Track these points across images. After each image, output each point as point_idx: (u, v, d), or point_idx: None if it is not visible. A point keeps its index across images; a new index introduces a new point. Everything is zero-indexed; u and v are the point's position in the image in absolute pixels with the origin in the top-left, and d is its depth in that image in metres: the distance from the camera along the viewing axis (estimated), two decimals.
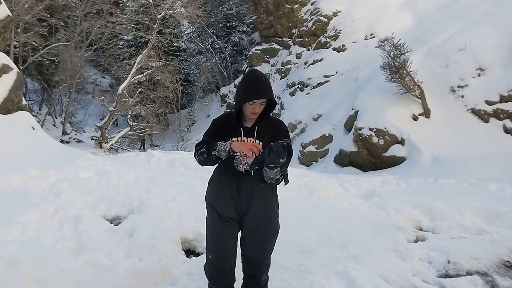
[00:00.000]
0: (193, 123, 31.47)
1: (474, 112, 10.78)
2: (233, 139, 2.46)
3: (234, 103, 2.49)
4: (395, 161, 10.56)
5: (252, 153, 2.34)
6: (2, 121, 8.23)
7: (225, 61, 33.29)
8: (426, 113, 11.13)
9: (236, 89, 2.48)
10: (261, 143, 2.44)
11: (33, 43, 18.81)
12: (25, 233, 3.92)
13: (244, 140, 2.45)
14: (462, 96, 11.14)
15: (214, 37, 33.03)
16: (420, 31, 15.21)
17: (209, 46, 33.42)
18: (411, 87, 11.31)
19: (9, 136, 7.65)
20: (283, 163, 2.32)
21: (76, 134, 20.44)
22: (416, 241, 4.46)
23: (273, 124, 2.52)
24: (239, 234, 2.66)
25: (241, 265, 2.76)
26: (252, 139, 2.46)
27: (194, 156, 2.54)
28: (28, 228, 4.00)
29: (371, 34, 18.26)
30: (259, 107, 2.35)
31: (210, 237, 2.63)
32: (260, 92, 2.30)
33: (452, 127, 10.60)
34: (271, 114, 2.53)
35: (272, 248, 2.68)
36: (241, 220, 2.57)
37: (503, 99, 10.55)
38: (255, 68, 23.75)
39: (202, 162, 2.53)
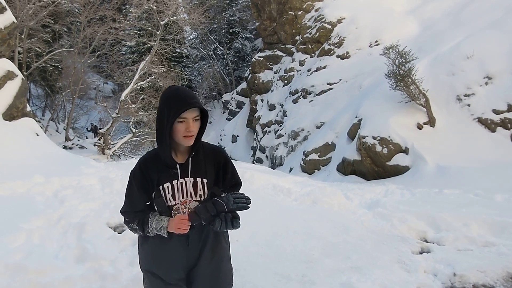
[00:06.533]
0: None
1: (481, 121, 10.72)
2: (165, 186, 1.97)
3: (157, 138, 1.96)
4: (399, 170, 10.52)
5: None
6: (7, 127, 8.28)
7: (227, 68, 33.40)
8: (431, 122, 11.09)
9: (158, 119, 1.95)
10: (204, 180, 2.00)
11: (37, 49, 18.92)
12: (30, 240, 3.95)
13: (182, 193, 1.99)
14: (469, 105, 11.09)
15: (217, 43, 33.16)
16: (426, 39, 15.20)
17: (212, 52, 33.56)
18: (416, 95, 11.28)
19: (13, 143, 7.70)
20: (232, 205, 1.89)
21: (79, 140, 20.50)
22: (421, 253, 4.42)
23: (212, 155, 2.06)
24: None
25: None
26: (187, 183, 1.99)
27: (126, 225, 2.08)
28: (32, 235, 4.04)
29: (376, 41, 18.24)
30: (193, 125, 1.88)
31: None
32: (190, 100, 1.85)
33: (458, 136, 10.52)
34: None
35: None
36: (189, 275, 2.07)
37: (511, 108, 10.47)
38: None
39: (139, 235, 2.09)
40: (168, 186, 1.97)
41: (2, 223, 4.25)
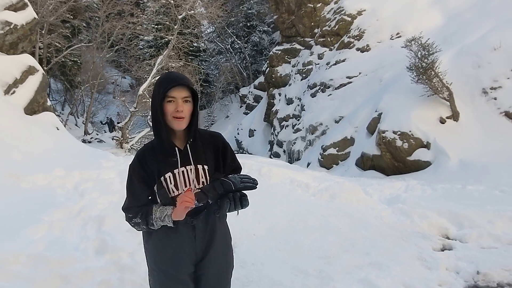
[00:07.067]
0: (212, 124, 31.72)
1: (508, 115, 10.30)
2: (167, 176, 1.91)
3: (153, 125, 1.96)
4: (420, 166, 10.28)
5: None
6: (28, 121, 8.44)
7: (245, 62, 33.33)
8: (455, 116, 10.78)
9: (152, 105, 1.93)
10: (205, 167, 1.96)
11: (57, 44, 19.27)
12: (51, 232, 4.03)
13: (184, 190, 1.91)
14: (495, 98, 10.67)
15: (234, 37, 33.10)
16: (451, 30, 14.71)
17: (229, 46, 33.55)
18: (439, 88, 10.95)
19: (35, 137, 7.83)
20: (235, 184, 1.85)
21: (97, 134, 20.83)
22: (442, 250, 4.34)
23: (210, 140, 2.03)
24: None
25: None
26: (189, 169, 1.93)
27: (128, 222, 2.00)
28: (53, 227, 4.11)
29: (397, 33, 17.77)
30: (182, 105, 1.84)
31: None
32: (176, 79, 1.84)
33: (483, 131, 10.15)
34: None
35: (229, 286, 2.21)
36: (197, 267, 2.04)
37: None
38: (276, 68, 23.67)
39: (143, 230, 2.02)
40: (169, 176, 1.91)
41: (24, 215, 4.34)
